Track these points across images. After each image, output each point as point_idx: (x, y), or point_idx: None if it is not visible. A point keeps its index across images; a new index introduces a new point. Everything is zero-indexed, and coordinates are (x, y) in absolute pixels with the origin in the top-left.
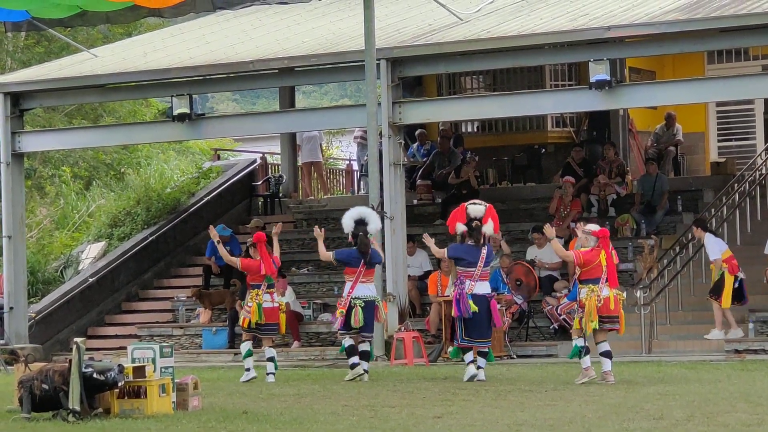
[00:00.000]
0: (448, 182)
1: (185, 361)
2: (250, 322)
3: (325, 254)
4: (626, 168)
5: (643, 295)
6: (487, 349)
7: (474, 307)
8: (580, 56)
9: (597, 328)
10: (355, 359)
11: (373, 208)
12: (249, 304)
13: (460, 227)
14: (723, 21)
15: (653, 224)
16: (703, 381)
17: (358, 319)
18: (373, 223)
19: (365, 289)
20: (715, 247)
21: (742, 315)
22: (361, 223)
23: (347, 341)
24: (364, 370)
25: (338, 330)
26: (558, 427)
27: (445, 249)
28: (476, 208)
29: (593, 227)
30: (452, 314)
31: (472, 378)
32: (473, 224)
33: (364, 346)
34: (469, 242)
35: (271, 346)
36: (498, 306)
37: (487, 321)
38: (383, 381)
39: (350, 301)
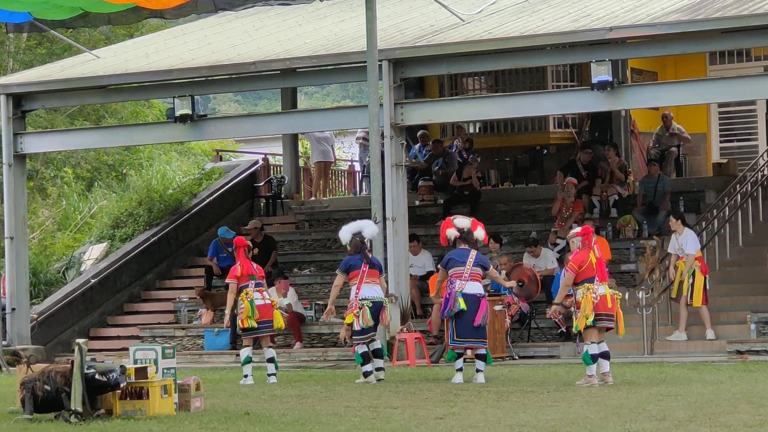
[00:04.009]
0: (449, 183)
1: (187, 362)
2: (249, 321)
3: (336, 283)
4: (628, 169)
5: (644, 296)
6: (484, 351)
7: (463, 305)
8: (582, 57)
9: (592, 324)
10: (368, 367)
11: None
12: (241, 305)
13: (452, 232)
14: (725, 22)
15: (655, 225)
16: (705, 382)
17: (367, 319)
18: (368, 229)
19: (371, 290)
20: (694, 243)
21: (743, 316)
22: (356, 235)
23: (361, 348)
24: (380, 368)
25: (351, 338)
26: (560, 428)
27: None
28: (462, 220)
29: (576, 230)
30: (440, 317)
31: (458, 382)
32: (464, 230)
33: (375, 345)
34: (462, 246)
35: (270, 346)
36: (498, 307)
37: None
38: (385, 382)
39: (359, 303)
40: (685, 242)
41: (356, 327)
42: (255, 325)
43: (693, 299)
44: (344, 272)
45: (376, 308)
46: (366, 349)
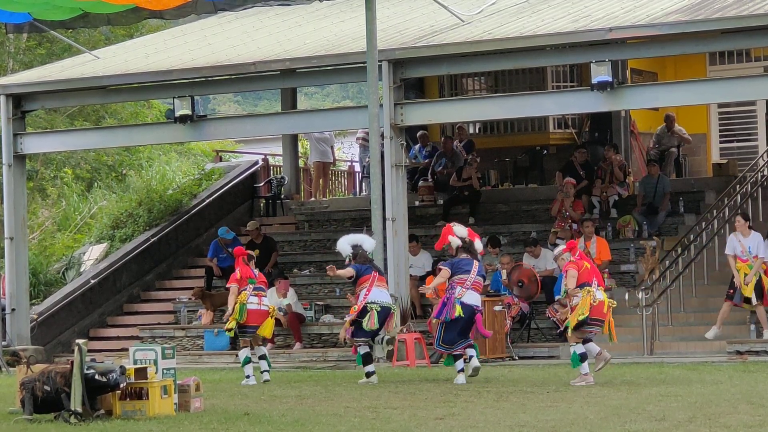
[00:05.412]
0: (449, 184)
1: (187, 362)
2: (231, 323)
3: (344, 271)
4: (628, 169)
5: (644, 296)
6: (472, 343)
7: (459, 312)
8: (582, 57)
9: (584, 320)
10: (371, 368)
11: (369, 233)
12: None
13: (456, 241)
14: (725, 22)
15: (655, 225)
16: (705, 382)
17: (373, 321)
18: (368, 243)
19: (382, 294)
20: (766, 246)
21: (743, 316)
22: (357, 247)
23: (363, 349)
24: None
25: (351, 338)
26: (559, 429)
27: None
28: (461, 228)
29: (561, 247)
30: (433, 317)
31: (461, 383)
32: (465, 240)
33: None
34: (463, 256)
35: (260, 344)
36: (498, 307)
37: (467, 330)
38: (385, 382)
39: (366, 305)
40: (755, 245)
41: (366, 327)
42: (233, 326)
43: (765, 300)
44: (357, 274)
45: (385, 313)
46: (368, 350)
